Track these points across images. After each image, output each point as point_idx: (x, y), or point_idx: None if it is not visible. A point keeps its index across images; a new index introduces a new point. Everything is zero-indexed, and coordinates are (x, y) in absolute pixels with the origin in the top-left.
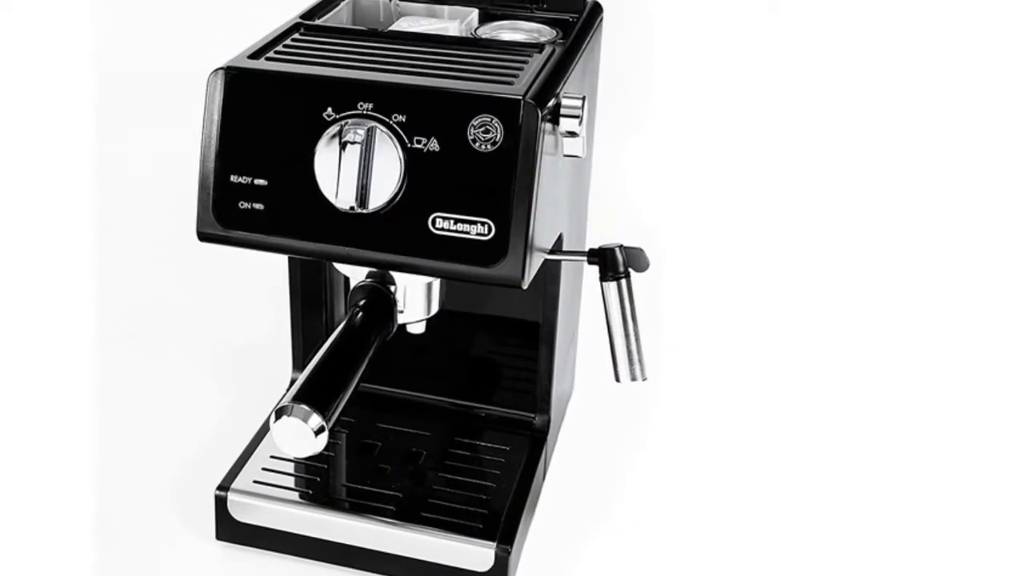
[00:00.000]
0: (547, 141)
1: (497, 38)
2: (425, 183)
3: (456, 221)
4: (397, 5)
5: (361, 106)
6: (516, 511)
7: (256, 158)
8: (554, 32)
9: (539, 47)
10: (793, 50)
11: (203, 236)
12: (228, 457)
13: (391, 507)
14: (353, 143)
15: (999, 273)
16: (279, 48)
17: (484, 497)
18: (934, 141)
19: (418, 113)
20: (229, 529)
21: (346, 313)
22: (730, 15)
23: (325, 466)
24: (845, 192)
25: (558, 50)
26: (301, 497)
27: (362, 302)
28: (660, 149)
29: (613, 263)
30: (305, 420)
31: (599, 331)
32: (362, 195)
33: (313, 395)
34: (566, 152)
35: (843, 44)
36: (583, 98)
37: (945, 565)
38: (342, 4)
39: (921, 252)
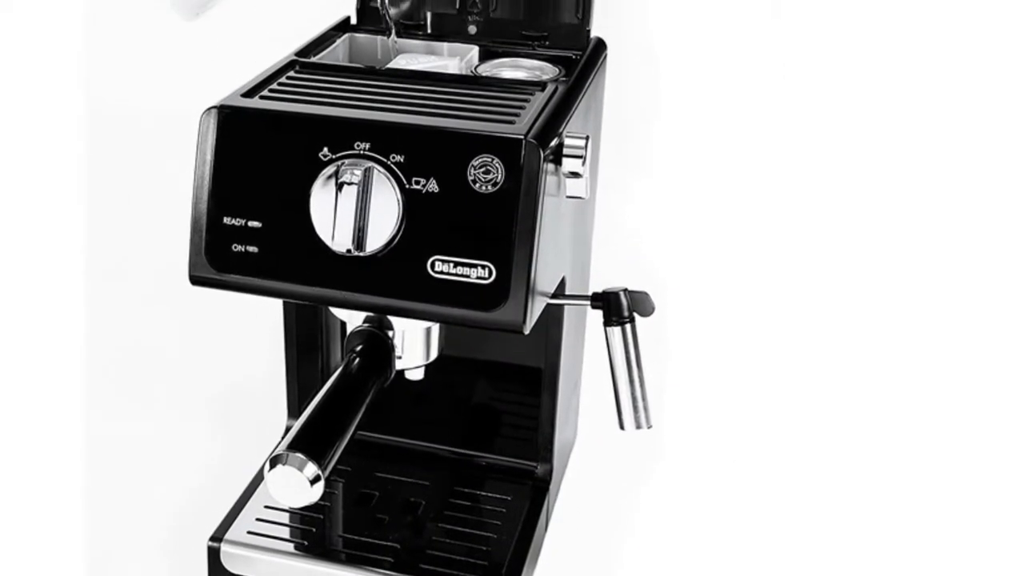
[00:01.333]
0: (549, 182)
1: (498, 76)
2: (424, 225)
3: (456, 264)
4: (395, 42)
5: (358, 146)
6: (518, 563)
7: (250, 199)
8: (557, 70)
9: (541, 85)
10: (803, 93)
11: (196, 280)
12: (221, 507)
13: (389, 558)
14: (350, 184)
15: (1012, 279)
16: (274, 86)
17: (485, 548)
18: (953, 172)
19: (417, 153)
20: None
21: (343, 359)
22: (739, 53)
23: (321, 516)
24: (860, 239)
25: (561, 88)
26: (296, 548)
27: (359, 347)
28: (666, 190)
29: (617, 307)
30: (300, 469)
31: (603, 377)
32: (359, 237)
33: (309, 443)
34: (569, 193)
35: (858, 87)
36: (586, 138)
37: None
38: (338, 41)
39: (937, 292)
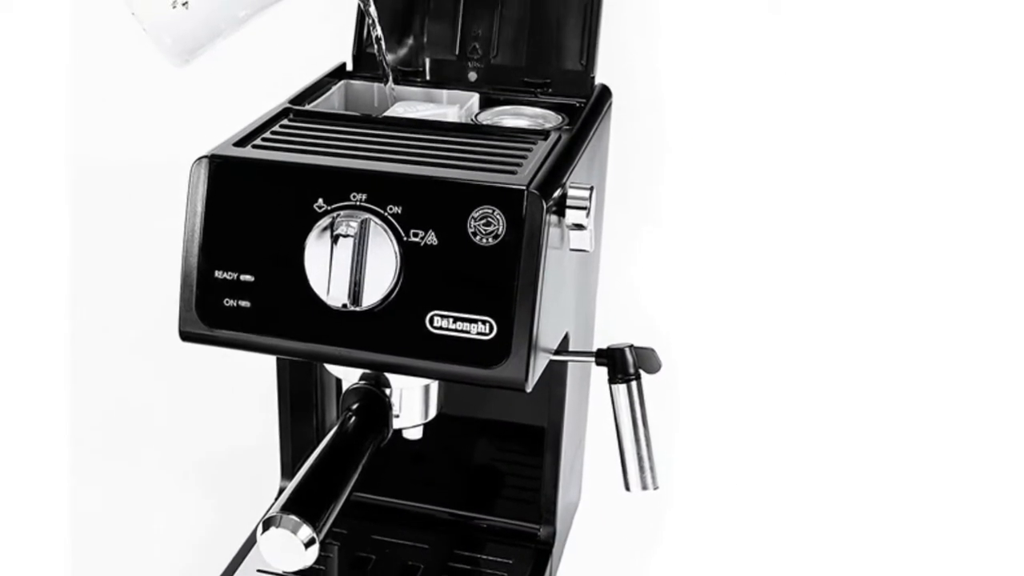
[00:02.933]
0: (552, 234)
1: (499, 124)
2: (422, 279)
3: (455, 319)
4: (392, 89)
5: (354, 197)
6: None
7: (242, 253)
8: (560, 118)
9: (544, 134)
10: (813, 145)
11: (186, 336)
12: (212, 571)
13: None
14: (346, 236)
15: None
16: (267, 135)
17: None
18: (961, 185)
19: (415, 204)
20: None
21: (338, 417)
22: (748, 103)
23: None
24: (871, 290)
25: (564, 137)
26: None
27: (355, 406)
28: (674, 242)
29: (623, 364)
30: (294, 531)
31: (608, 436)
32: (355, 292)
33: (303, 505)
34: (573, 246)
35: (876, 137)
36: (591, 188)
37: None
38: (334, 88)
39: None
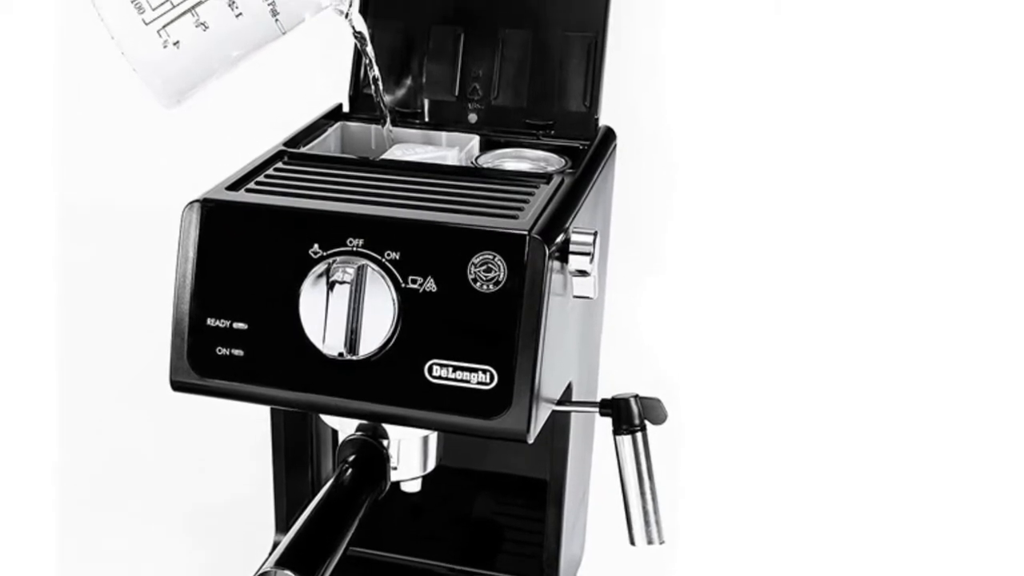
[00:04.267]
0: (555, 281)
1: (500, 167)
2: (421, 327)
3: (455, 369)
4: (390, 131)
5: (351, 242)
6: None
7: (235, 300)
8: (563, 161)
9: (546, 177)
10: (823, 190)
11: (177, 385)
12: None
13: None
14: (342, 283)
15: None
16: (260, 179)
17: None
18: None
19: (413, 250)
20: None
21: (334, 469)
22: (758, 146)
23: None
24: (884, 341)
25: (567, 180)
26: None
27: (352, 457)
28: (680, 289)
29: (628, 415)
30: None
31: (612, 489)
32: (352, 340)
33: (298, 559)
34: (576, 293)
35: (889, 174)
36: (595, 233)
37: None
38: (329, 131)
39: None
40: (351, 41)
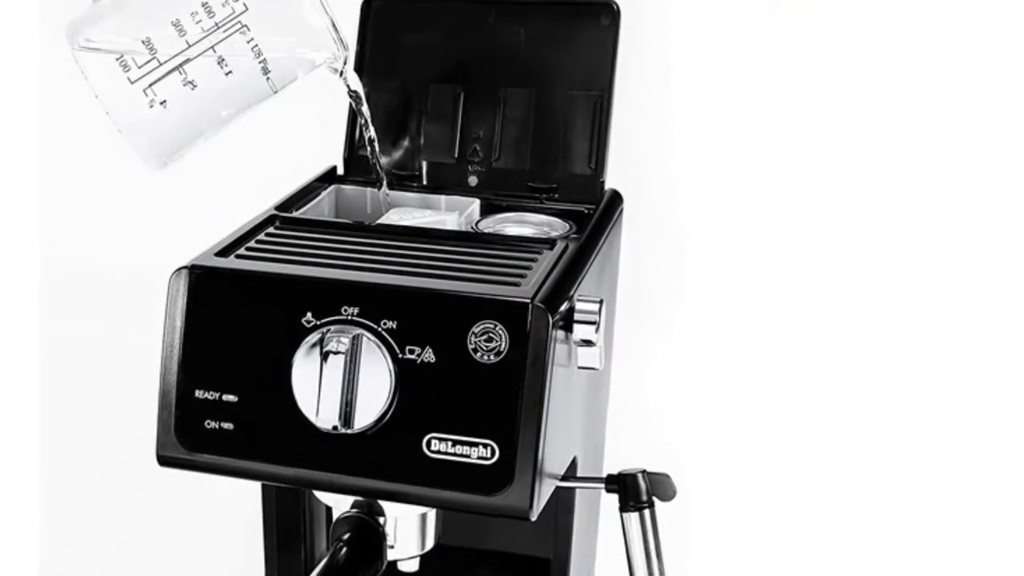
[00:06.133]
0: (559, 351)
1: (501, 232)
2: (419, 399)
3: (454, 443)
4: (387, 195)
5: (345, 311)
6: None
7: (225, 371)
8: (567, 225)
9: (550, 243)
10: (839, 258)
11: (164, 460)
12: None
13: None
14: (336, 353)
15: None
16: (251, 244)
17: None
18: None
19: (411, 319)
20: None
21: (328, 548)
22: (770, 213)
23: None
24: (900, 412)
25: (572, 246)
26: None
27: (347, 536)
28: (689, 360)
29: (635, 491)
30: None
31: (619, 568)
32: (346, 413)
33: None
34: (581, 364)
35: (907, 235)
36: (600, 302)
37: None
38: (323, 194)
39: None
40: (346, 100)
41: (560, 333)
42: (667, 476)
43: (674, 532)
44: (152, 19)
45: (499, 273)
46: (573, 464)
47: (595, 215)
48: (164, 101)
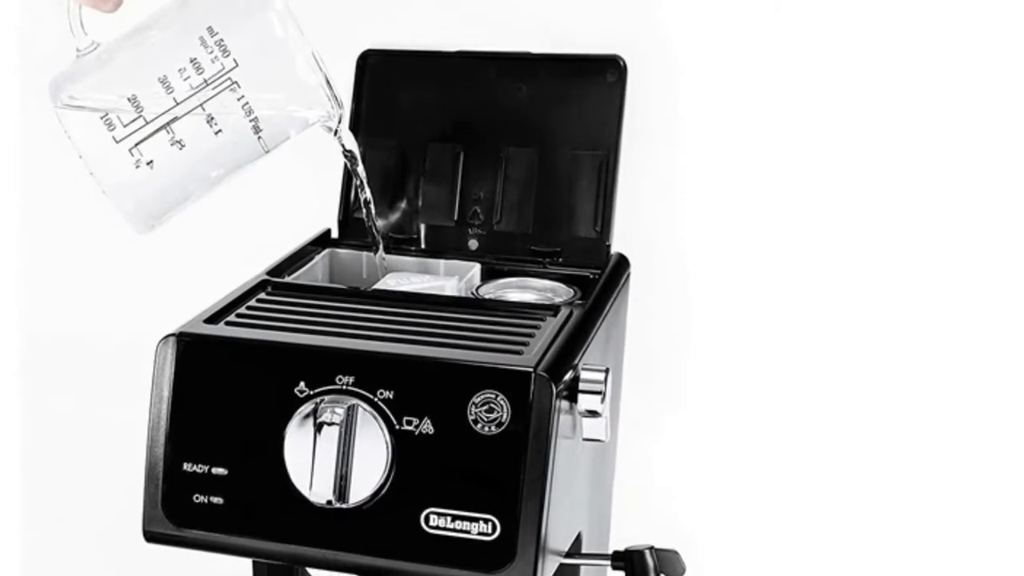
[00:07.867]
0: (563, 422)
1: (503, 298)
2: (417, 472)
3: (454, 518)
4: (383, 259)
5: (340, 380)
6: None
7: (214, 442)
8: (571, 291)
9: (553, 309)
10: (852, 317)
11: (151, 536)
12: None
13: None
14: (330, 425)
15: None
16: (241, 310)
17: None
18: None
19: (408, 388)
20: None
21: None
22: (781, 278)
23: None
24: (907, 495)
25: (576, 312)
26: None
27: None
28: (699, 431)
29: (642, 568)
30: None
31: None
32: (341, 487)
33: None
34: (586, 435)
35: (914, 284)
36: (606, 370)
37: None
38: (317, 258)
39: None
40: (340, 161)
41: (564, 403)
42: (676, 553)
43: None
44: (138, 75)
45: (500, 341)
46: (578, 540)
47: (601, 280)
48: (151, 161)
